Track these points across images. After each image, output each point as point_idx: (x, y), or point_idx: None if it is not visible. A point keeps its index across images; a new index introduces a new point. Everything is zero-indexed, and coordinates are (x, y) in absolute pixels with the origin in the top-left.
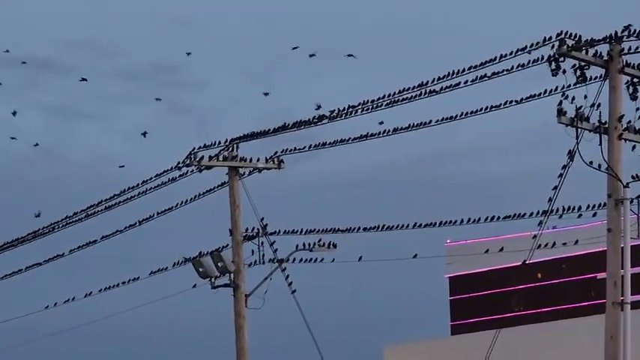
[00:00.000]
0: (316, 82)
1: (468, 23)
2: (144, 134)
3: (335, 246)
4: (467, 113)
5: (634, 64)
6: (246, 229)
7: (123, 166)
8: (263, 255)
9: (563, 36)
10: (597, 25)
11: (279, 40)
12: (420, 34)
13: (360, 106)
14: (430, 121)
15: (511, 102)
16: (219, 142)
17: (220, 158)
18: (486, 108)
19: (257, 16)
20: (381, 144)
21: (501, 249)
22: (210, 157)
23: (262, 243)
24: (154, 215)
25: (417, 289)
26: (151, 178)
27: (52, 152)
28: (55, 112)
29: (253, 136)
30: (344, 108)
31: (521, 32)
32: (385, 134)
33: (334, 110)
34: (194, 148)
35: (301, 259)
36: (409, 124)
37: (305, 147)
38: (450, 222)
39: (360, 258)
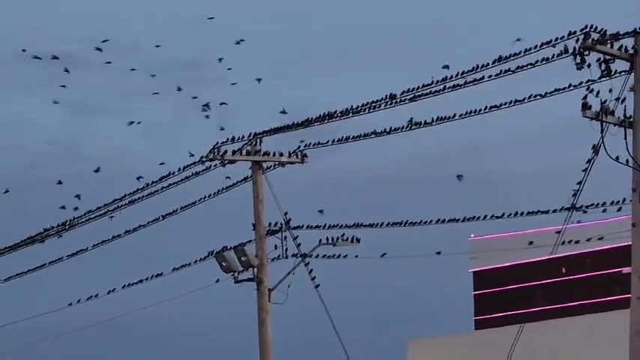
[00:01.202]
0: (336, 78)
1: (489, 17)
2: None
3: (358, 241)
4: (491, 107)
5: None
6: (270, 224)
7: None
8: (286, 250)
9: (587, 29)
10: (622, 19)
11: (298, 36)
12: (441, 30)
13: (382, 101)
14: (454, 115)
15: (535, 96)
16: (243, 137)
17: (243, 153)
18: (510, 102)
19: (276, 13)
20: (405, 139)
21: (527, 243)
22: (234, 152)
23: (285, 237)
24: (177, 210)
25: (441, 285)
26: (174, 173)
27: (70, 148)
28: (73, 108)
29: (277, 130)
30: (367, 102)
31: (544, 27)
32: (408, 129)
33: (358, 106)
34: (217, 143)
35: (325, 255)
36: (432, 119)
37: (328, 141)
38: (474, 218)
39: (384, 254)
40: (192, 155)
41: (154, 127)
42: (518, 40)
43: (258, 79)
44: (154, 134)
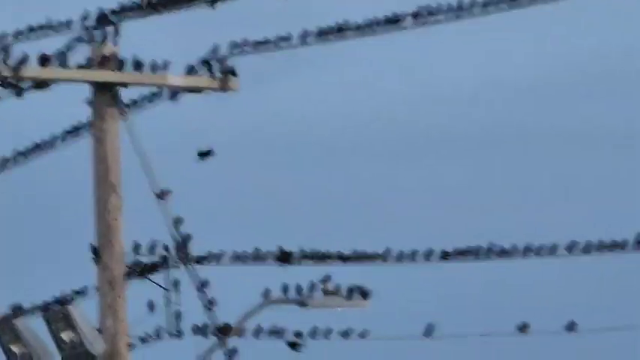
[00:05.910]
0: None
1: None
2: None
3: (366, 295)
4: None
5: None
6: (137, 248)
7: None
8: (177, 314)
9: None
10: None
11: None
12: None
13: None
14: None
15: None
16: (70, 22)
17: (70, 63)
18: None
19: None
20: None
21: None
22: (44, 59)
23: (177, 285)
24: None
25: None
26: None
27: None
28: None
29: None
30: None
31: None
32: None
33: None
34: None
35: (279, 331)
36: None
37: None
38: None
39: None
40: None
41: None
42: None
43: None
44: None
